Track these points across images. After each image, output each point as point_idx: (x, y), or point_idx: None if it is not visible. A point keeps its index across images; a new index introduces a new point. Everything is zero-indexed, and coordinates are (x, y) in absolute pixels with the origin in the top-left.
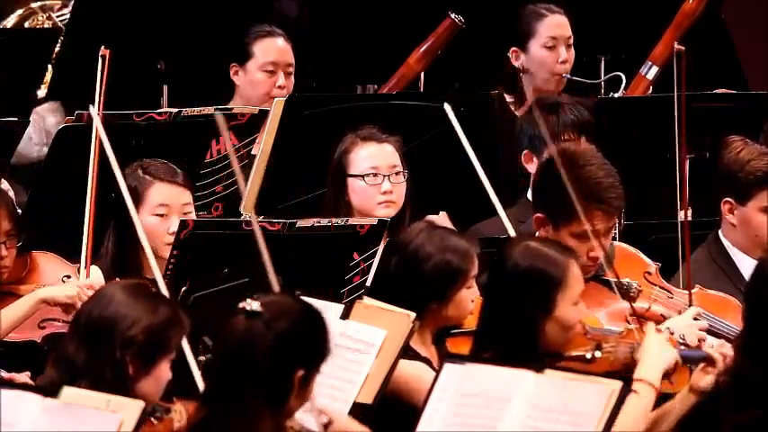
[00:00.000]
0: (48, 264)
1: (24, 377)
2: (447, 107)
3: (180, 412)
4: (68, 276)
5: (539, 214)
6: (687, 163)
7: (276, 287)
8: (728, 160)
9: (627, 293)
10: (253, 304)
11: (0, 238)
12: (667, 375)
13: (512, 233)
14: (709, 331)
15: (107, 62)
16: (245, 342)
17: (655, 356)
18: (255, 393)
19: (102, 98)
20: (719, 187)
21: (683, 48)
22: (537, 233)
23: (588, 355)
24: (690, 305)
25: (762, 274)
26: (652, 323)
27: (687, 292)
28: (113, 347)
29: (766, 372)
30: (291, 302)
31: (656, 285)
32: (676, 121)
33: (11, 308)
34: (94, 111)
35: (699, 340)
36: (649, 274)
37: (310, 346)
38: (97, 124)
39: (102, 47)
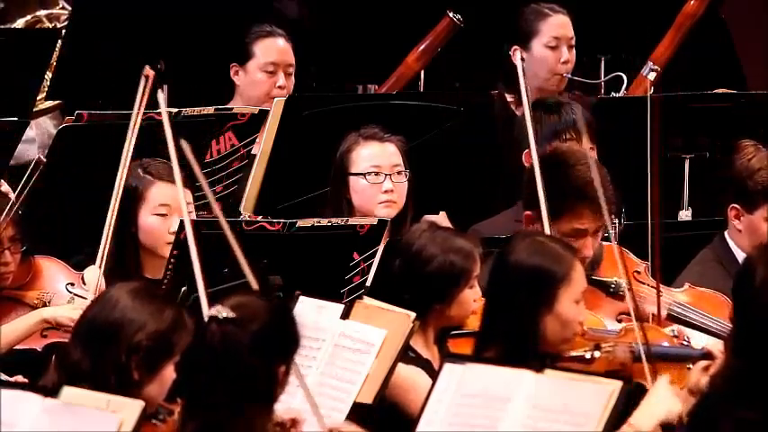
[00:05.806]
0: (51, 269)
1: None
2: None
3: None
4: (72, 284)
5: (528, 212)
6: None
7: (254, 284)
8: (739, 166)
9: (616, 293)
10: (222, 311)
11: (4, 244)
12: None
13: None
14: (690, 325)
15: (149, 82)
16: (224, 348)
17: (656, 406)
18: (248, 395)
19: (138, 117)
20: (727, 191)
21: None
22: None
23: (587, 355)
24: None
25: (748, 272)
26: (667, 376)
27: (677, 290)
28: (118, 352)
29: (758, 371)
30: (257, 301)
31: (644, 284)
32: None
33: (12, 325)
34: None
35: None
36: (638, 272)
37: (285, 339)
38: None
39: (147, 66)
